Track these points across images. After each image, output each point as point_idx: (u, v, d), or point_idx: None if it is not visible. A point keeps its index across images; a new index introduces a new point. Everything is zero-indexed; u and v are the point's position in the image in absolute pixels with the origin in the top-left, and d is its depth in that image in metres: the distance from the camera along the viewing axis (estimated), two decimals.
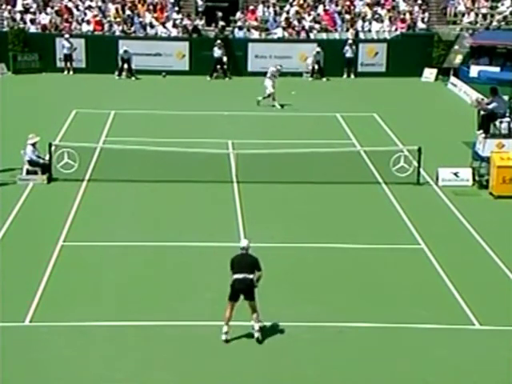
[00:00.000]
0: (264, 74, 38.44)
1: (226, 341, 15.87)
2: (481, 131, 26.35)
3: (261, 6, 45.88)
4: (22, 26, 42.98)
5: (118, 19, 43.85)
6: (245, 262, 16.03)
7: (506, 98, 27.08)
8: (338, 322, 16.86)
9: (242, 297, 15.98)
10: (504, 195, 24.44)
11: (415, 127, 32.32)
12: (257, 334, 15.94)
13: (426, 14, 46.03)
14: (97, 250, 20.38)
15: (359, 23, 45.10)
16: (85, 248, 20.49)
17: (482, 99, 28.23)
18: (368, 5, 46.05)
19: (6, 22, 43.23)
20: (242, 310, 17.20)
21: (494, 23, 45.66)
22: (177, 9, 45.54)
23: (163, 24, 43.95)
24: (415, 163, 25.88)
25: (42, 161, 25.47)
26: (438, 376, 15.11)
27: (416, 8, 46.21)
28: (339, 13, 45.75)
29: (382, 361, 15.54)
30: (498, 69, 39.82)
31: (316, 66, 42.24)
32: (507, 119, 26.15)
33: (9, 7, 43.93)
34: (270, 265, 19.69)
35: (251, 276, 15.89)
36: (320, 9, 45.77)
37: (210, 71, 41.63)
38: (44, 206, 23.39)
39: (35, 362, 15.27)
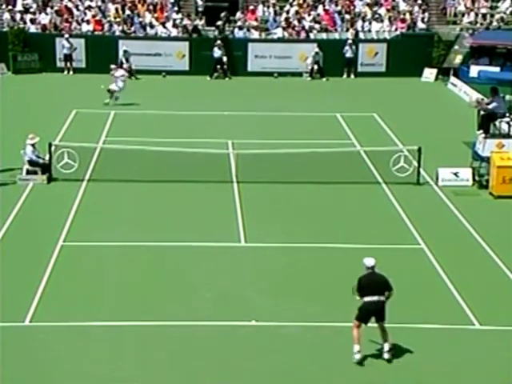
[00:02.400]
0: (265, 74, 38.55)
1: (359, 362, 15.30)
2: (481, 131, 26.35)
3: (261, 6, 45.87)
4: (22, 26, 42.98)
5: (118, 19, 43.85)
6: (376, 284, 15.29)
7: (507, 97, 27.09)
8: (338, 322, 16.85)
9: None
10: (504, 195, 24.43)
11: (415, 127, 32.32)
12: (387, 356, 15.38)
13: (426, 14, 46.03)
14: (97, 250, 20.38)
15: (359, 23, 45.10)
16: (85, 248, 20.49)
17: (482, 99, 28.23)
18: (368, 5, 46.04)
19: (5, 22, 43.21)
20: (239, 309, 17.23)
21: (494, 23, 45.68)
22: (177, 9, 45.54)
23: (163, 24, 43.95)
24: (415, 163, 25.88)
25: (41, 161, 25.47)
26: (438, 376, 15.11)
27: (416, 8, 46.21)
28: (339, 13, 45.75)
29: (381, 361, 15.52)
30: (497, 69, 39.83)
31: (315, 67, 42.23)
32: (507, 119, 26.16)
33: (9, 7, 43.92)
34: (269, 265, 19.74)
35: (383, 298, 15.30)
36: (320, 9, 45.77)
37: (210, 71, 41.63)
38: (44, 206, 23.39)
39: (35, 361, 15.27)
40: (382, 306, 15.31)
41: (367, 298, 15.28)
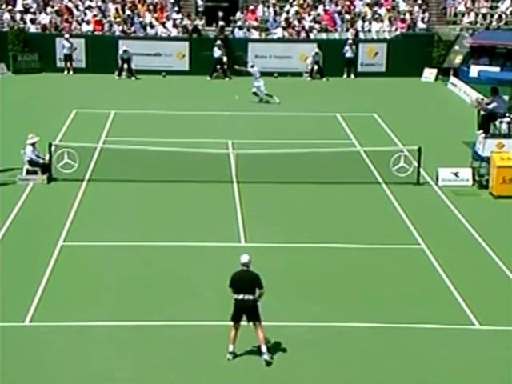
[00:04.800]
0: (265, 74, 38.43)
1: (229, 359, 15.28)
2: (481, 131, 26.36)
3: (261, 6, 45.87)
4: (22, 26, 42.97)
5: (118, 19, 43.85)
6: (244, 282, 15.26)
7: (506, 97, 27.08)
8: (338, 321, 16.86)
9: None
10: (504, 195, 24.44)
11: (415, 127, 32.32)
12: (266, 357, 15.25)
13: (426, 14, 46.02)
14: (97, 250, 20.38)
15: (359, 23, 45.10)
16: (85, 248, 20.50)
17: (482, 99, 28.23)
18: (368, 5, 46.04)
19: (5, 22, 43.20)
20: None
21: (494, 23, 45.69)
22: (177, 9, 45.54)
23: (163, 24, 43.95)
24: (415, 163, 25.88)
25: (41, 161, 25.47)
26: (438, 376, 15.11)
27: (416, 8, 46.20)
28: (339, 13, 45.74)
29: (381, 361, 15.53)
30: (497, 69, 39.83)
31: (315, 67, 42.25)
32: (507, 119, 26.15)
33: (9, 7, 43.91)
34: (269, 265, 19.73)
35: (251, 297, 15.22)
36: (320, 9, 45.77)
37: (210, 71, 41.64)
38: (44, 206, 23.39)
39: (35, 361, 15.27)
40: (250, 304, 15.21)
41: (235, 296, 15.30)
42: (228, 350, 15.39)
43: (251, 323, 15.38)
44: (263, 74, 38.90)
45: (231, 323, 15.44)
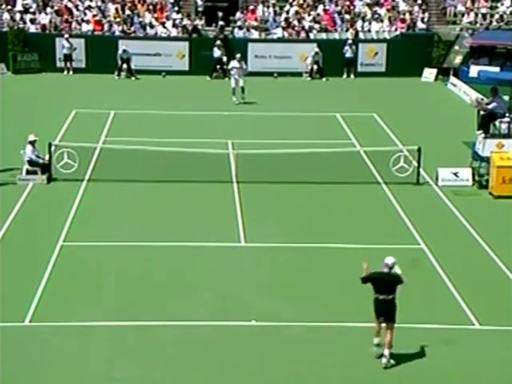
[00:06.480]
0: (265, 74, 38.53)
1: (374, 351, 15.35)
2: (481, 131, 26.36)
3: (261, 6, 45.86)
4: (21, 26, 42.97)
5: (118, 19, 43.85)
6: (384, 283, 15.34)
7: (506, 97, 27.08)
8: (338, 322, 16.85)
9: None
10: (504, 195, 24.44)
11: (415, 127, 32.32)
12: (384, 360, 15.24)
13: (426, 14, 46.03)
14: (97, 250, 20.38)
15: (359, 23, 45.09)
16: (85, 248, 20.49)
17: (482, 99, 28.24)
18: (368, 5, 46.04)
19: (5, 22, 43.20)
20: (239, 309, 17.24)
21: (494, 23, 45.71)
22: (177, 9, 45.54)
23: (163, 24, 43.96)
24: (415, 163, 25.88)
25: (41, 161, 25.46)
26: (438, 376, 15.12)
27: (416, 8, 46.20)
28: (339, 13, 45.75)
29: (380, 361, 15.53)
30: (497, 69, 39.82)
31: (315, 67, 42.25)
32: (507, 119, 26.16)
33: (9, 7, 43.91)
34: (269, 265, 19.76)
35: (391, 296, 15.23)
36: (320, 9, 45.76)
37: (209, 71, 41.65)
38: (44, 206, 23.38)
39: (35, 361, 15.27)
40: (389, 304, 15.31)
41: (375, 295, 15.35)
42: (373, 342, 15.37)
43: (383, 324, 15.36)
44: (263, 73, 39.08)
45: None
